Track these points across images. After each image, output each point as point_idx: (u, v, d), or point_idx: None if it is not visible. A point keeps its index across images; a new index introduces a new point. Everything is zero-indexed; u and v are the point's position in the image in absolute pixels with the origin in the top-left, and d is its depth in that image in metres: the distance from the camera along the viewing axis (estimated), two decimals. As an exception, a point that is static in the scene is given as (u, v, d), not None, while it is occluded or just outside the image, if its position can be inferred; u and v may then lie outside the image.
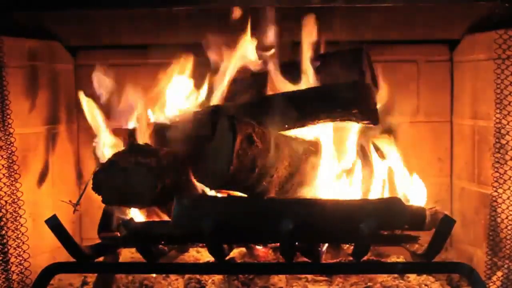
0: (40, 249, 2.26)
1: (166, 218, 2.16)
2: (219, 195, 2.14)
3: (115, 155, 2.14)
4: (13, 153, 2.10)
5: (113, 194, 2.07)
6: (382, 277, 2.22)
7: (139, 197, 2.06)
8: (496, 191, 2.06)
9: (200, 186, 2.11)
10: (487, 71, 2.13)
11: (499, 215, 2.07)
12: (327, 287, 2.21)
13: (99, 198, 2.09)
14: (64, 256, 2.05)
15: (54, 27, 2.44)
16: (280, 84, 2.32)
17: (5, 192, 2.07)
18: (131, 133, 2.28)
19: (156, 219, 2.18)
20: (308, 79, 2.31)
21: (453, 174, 2.60)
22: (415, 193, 2.27)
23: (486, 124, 2.24)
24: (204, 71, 2.39)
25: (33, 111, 2.35)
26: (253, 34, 2.29)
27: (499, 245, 2.07)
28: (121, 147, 2.27)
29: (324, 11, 2.21)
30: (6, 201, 2.07)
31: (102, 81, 2.31)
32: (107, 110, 2.36)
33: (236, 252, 2.28)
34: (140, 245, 1.99)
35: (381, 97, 2.35)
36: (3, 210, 2.07)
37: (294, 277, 2.25)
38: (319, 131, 2.27)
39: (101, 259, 2.19)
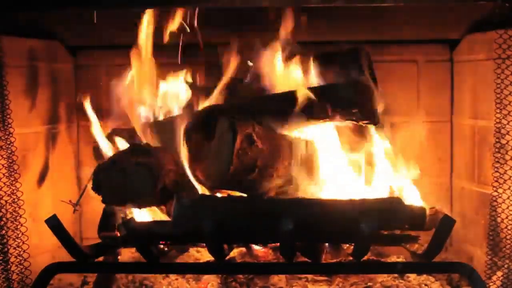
0: (40, 249, 2.26)
1: (166, 218, 2.16)
2: (219, 195, 2.14)
3: (115, 155, 2.14)
4: (13, 153, 2.10)
5: (113, 194, 2.07)
6: (382, 277, 2.22)
7: (139, 197, 2.05)
8: (496, 191, 2.06)
9: (200, 186, 2.11)
10: (487, 71, 2.13)
11: (499, 215, 2.07)
12: (327, 287, 2.21)
13: (99, 198, 2.09)
14: (64, 256, 2.05)
15: (54, 27, 2.44)
16: (281, 84, 2.32)
17: (5, 192, 2.07)
18: (132, 133, 2.28)
19: (156, 219, 2.18)
20: (308, 79, 2.31)
21: (453, 174, 2.60)
22: (413, 192, 2.27)
23: (486, 124, 2.24)
24: (204, 71, 2.39)
25: (33, 111, 2.35)
26: (253, 34, 2.29)
27: (499, 245, 2.07)
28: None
29: (324, 11, 2.21)
30: (6, 201, 2.07)
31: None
32: (108, 110, 2.36)
33: (236, 252, 2.28)
34: (140, 245, 1.99)
35: (381, 97, 2.34)
36: (3, 210, 2.07)
37: (294, 277, 2.25)
38: (319, 131, 2.28)
39: (101, 259, 2.19)
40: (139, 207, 2.15)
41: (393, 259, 2.40)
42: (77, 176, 2.63)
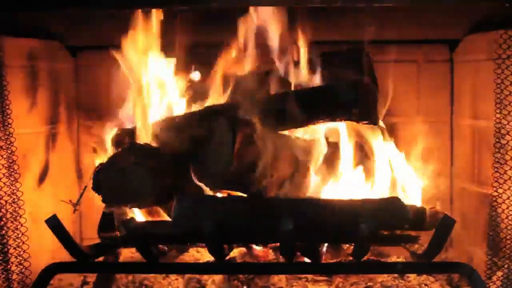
0: (40, 249, 2.26)
1: (166, 218, 2.16)
2: (219, 195, 2.14)
3: (115, 155, 2.14)
4: (13, 153, 2.10)
5: (113, 194, 2.07)
6: (382, 277, 2.22)
7: (139, 196, 2.05)
8: (496, 191, 2.06)
9: (200, 186, 2.11)
10: (487, 71, 2.13)
11: (499, 215, 2.07)
12: (327, 287, 2.22)
13: (99, 198, 2.09)
14: (64, 256, 2.05)
15: (54, 27, 2.44)
16: (281, 84, 2.32)
17: (5, 192, 2.07)
18: (131, 133, 2.27)
19: (157, 219, 2.18)
20: (308, 79, 2.31)
21: (453, 174, 2.60)
22: (413, 192, 2.27)
23: (486, 124, 2.24)
24: (205, 71, 2.39)
25: (33, 111, 2.35)
26: (253, 34, 2.28)
27: (499, 245, 2.07)
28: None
29: (324, 11, 2.21)
30: (6, 201, 2.08)
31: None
32: (107, 110, 2.36)
33: (236, 252, 2.29)
34: (140, 245, 1.99)
35: (381, 97, 2.34)
36: (3, 210, 2.07)
37: (294, 277, 2.25)
38: (319, 131, 2.28)
39: (101, 259, 2.19)
40: (139, 207, 2.15)
41: (393, 259, 2.40)
42: (77, 176, 2.63)
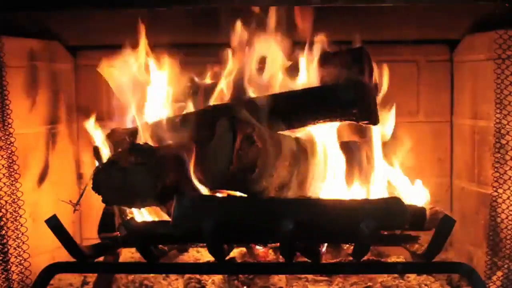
0: (40, 249, 2.26)
1: (166, 218, 2.16)
2: (219, 195, 2.14)
3: (115, 155, 2.14)
4: (13, 153, 2.10)
5: (113, 194, 2.06)
6: (382, 277, 2.22)
7: (139, 197, 2.05)
8: (496, 191, 2.06)
9: (200, 186, 2.11)
10: (487, 71, 2.13)
11: (499, 215, 2.07)
12: (327, 287, 2.22)
13: (99, 198, 2.09)
14: (64, 256, 2.05)
15: (54, 27, 2.44)
16: (281, 84, 2.32)
17: (5, 192, 2.08)
18: (131, 133, 2.28)
19: (157, 219, 2.18)
20: (308, 79, 2.31)
21: (453, 174, 2.60)
22: (416, 193, 2.27)
23: (486, 124, 2.24)
24: (203, 70, 2.39)
25: (33, 111, 2.36)
26: (253, 34, 2.28)
27: (499, 245, 2.07)
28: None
29: (324, 11, 2.21)
30: (6, 201, 2.08)
31: None
32: (107, 110, 2.36)
33: (236, 252, 2.29)
34: (140, 245, 1.99)
35: (381, 97, 2.35)
36: (3, 210, 2.07)
37: (294, 277, 2.25)
38: (319, 131, 2.27)
39: (101, 259, 2.19)
40: (139, 207, 2.15)
41: (393, 259, 2.41)
42: (77, 176, 2.63)
